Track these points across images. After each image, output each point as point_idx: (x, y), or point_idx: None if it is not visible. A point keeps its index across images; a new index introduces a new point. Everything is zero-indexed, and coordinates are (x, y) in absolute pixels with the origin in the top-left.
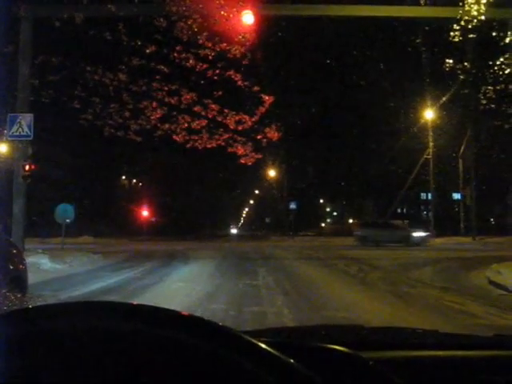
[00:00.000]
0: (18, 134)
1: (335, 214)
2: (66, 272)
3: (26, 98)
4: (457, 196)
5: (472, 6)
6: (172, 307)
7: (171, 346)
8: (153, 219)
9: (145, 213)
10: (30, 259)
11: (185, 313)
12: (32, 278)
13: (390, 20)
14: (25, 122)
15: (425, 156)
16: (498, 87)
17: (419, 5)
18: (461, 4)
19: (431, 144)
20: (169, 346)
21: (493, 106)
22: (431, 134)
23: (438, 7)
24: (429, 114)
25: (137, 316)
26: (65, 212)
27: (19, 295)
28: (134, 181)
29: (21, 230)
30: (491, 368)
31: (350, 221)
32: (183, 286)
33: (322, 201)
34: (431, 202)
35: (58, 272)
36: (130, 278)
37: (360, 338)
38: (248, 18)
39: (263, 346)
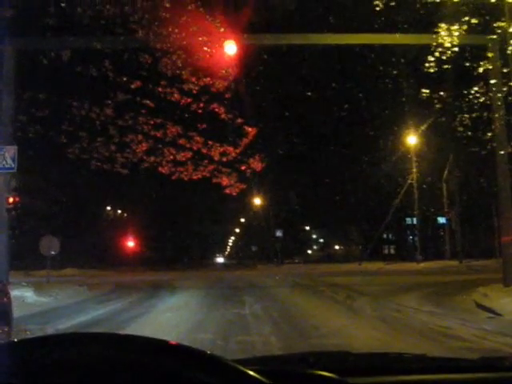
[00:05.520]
0: (1, 166)
1: (321, 240)
2: (52, 305)
3: (10, 131)
4: (442, 220)
5: (445, 38)
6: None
7: (161, 375)
8: (138, 250)
9: (130, 243)
10: (14, 292)
11: (173, 342)
12: (17, 312)
13: (366, 53)
14: (8, 155)
15: (408, 181)
16: (474, 115)
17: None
18: (434, 36)
19: (414, 170)
20: (158, 374)
21: (469, 133)
22: (414, 159)
23: (413, 35)
24: (411, 140)
25: (131, 346)
26: (50, 244)
27: (5, 329)
28: (119, 211)
29: (5, 263)
30: None
31: (336, 247)
32: (171, 317)
33: (307, 228)
34: (416, 226)
35: (44, 305)
36: (116, 310)
37: (347, 364)
38: (230, 47)
39: (252, 373)
